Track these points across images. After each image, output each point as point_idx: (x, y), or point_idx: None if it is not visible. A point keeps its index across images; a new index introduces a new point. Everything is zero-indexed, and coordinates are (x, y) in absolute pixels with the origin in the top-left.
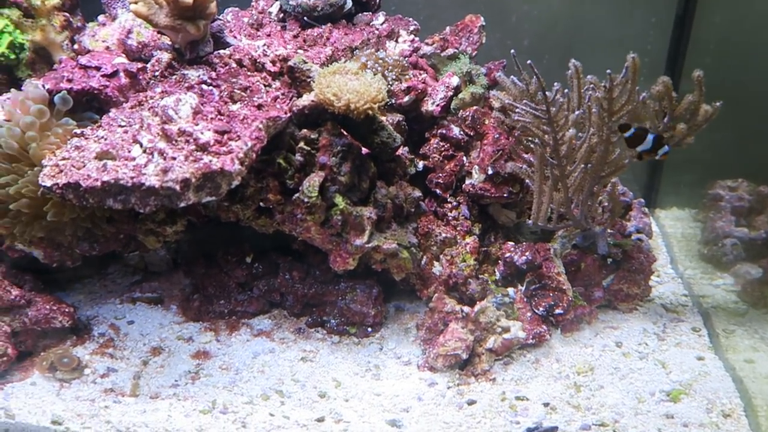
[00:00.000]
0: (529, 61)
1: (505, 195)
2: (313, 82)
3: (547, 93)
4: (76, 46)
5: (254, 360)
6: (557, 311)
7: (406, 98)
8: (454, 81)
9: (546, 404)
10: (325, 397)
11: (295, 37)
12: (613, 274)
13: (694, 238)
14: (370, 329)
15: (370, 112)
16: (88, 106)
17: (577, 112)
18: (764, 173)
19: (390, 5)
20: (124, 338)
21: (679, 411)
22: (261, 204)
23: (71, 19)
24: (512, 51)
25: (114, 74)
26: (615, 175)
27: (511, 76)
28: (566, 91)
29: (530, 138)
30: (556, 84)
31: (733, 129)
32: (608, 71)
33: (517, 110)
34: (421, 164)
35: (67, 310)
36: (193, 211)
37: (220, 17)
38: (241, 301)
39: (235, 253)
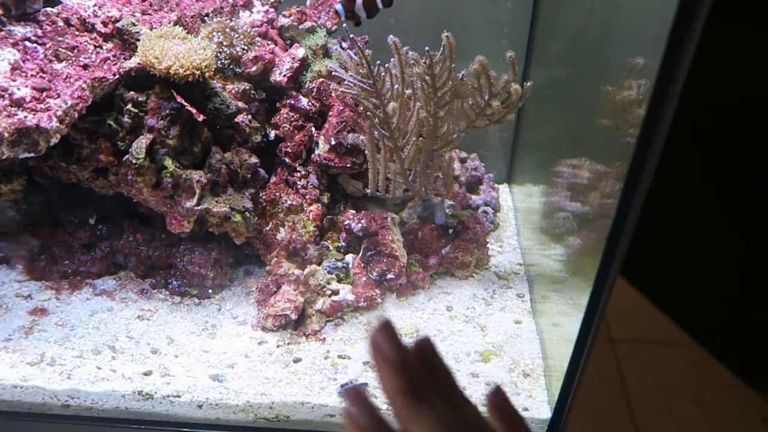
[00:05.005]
0: (351, 35)
1: (348, 165)
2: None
3: (372, 67)
4: None
5: (91, 317)
6: (389, 276)
7: (254, 68)
8: (300, 53)
9: (365, 363)
10: (157, 353)
11: (143, 0)
12: (452, 243)
13: (539, 212)
14: (210, 291)
15: (191, 78)
16: None
17: (396, 86)
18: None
19: None
20: None
21: (485, 370)
22: (98, 165)
23: None
24: (344, 25)
25: None
26: (448, 149)
27: (347, 50)
28: (388, 65)
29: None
30: (392, 60)
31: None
32: (426, 48)
33: (345, 82)
34: (272, 133)
35: None
36: (38, 171)
37: None
38: (84, 262)
39: (79, 214)
